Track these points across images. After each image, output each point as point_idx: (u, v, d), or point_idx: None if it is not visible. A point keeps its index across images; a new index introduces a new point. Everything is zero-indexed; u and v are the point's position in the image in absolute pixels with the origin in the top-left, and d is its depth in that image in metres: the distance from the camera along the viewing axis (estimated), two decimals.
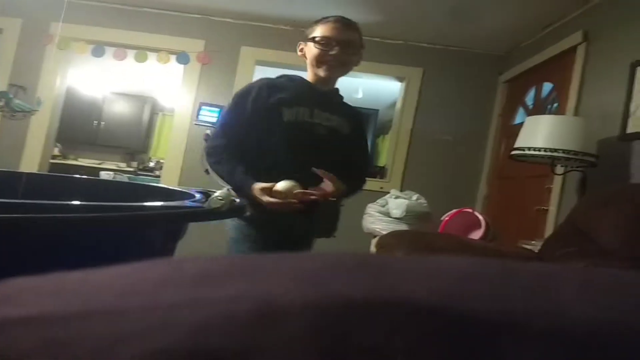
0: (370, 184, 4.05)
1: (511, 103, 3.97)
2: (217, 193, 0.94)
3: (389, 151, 4.35)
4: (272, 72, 4.67)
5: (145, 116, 7.21)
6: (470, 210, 3.14)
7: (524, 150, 2.53)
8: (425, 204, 3.32)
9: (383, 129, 6.37)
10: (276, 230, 1.56)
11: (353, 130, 1.67)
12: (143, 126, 7.21)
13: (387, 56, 4.08)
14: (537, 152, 2.46)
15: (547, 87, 3.50)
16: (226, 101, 4.05)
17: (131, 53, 4.14)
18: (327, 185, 1.48)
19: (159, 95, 7.06)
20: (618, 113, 2.50)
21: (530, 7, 3.21)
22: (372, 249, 3.06)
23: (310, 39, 1.57)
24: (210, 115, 4.12)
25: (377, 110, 6.04)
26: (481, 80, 4.12)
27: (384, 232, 2.85)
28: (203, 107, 4.12)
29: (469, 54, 4.12)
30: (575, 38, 3.04)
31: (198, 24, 4.08)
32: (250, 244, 1.56)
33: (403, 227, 3.10)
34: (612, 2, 2.79)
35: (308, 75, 1.64)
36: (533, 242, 2.68)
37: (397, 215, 3.20)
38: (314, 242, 1.74)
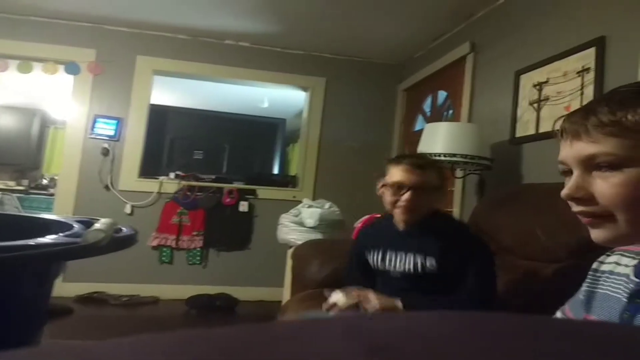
0: (282, 193, 4.01)
1: (411, 111, 4.11)
2: (98, 224, 0.84)
3: (299, 160, 4.33)
4: (171, 81, 4.45)
5: (35, 130, 6.63)
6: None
7: None
8: (338, 212, 3.35)
9: (292, 137, 6.36)
10: None
11: (445, 262, 1.47)
12: (33, 141, 6.62)
13: (290, 66, 4.07)
14: (437, 158, 2.55)
15: (442, 95, 3.66)
16: (123, 112, 3.85)
17: (14, 63, 3.78)
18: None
19: (49, 107, 6.52)
20: (507, 118, 2.66)
21: (420, 19, 3.33)
22: (289, 259, 3.02)
23: (384, 183, 1.56)
24: (107, 128, 3.87)
25: (284, 119, 6.02)
26: (381, 89, 4.24)
27: (299, 242, 2.83)
28: (98, 119, 3.85)
29: (368, 63, 4.21)
30: (464, 49, 3.20)
31: (88, 33, 3.80)
32: None
33: (317, 236, 3.10)
34: (495, 15, 2.97)
35: None
36: None
37: (311, 225, 3.19)
38: None
